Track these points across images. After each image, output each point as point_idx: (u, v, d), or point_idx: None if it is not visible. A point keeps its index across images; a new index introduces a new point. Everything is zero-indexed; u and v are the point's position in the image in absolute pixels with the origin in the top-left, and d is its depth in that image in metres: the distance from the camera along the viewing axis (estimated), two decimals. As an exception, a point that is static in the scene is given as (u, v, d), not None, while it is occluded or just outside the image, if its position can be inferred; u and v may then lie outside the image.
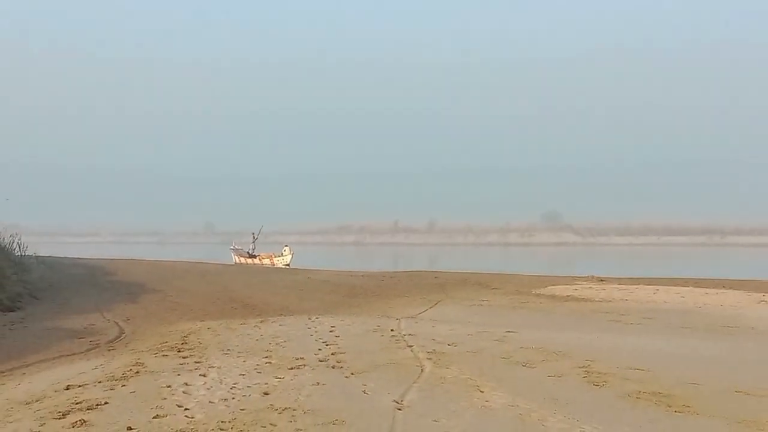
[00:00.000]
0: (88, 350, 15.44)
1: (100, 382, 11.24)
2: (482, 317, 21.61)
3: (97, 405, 9.65)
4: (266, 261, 68.30)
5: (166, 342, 15.73)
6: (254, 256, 71.00)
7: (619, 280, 41.79)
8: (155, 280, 32.00)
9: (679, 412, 9.96)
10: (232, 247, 76.32)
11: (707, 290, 33.86)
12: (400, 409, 9.62)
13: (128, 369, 12.33)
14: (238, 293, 27.39)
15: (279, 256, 68.24)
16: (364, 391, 10.69)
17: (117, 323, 19.32)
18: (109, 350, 15.31)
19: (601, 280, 44.11)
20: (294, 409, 9.46)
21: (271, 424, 8.74)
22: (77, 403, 9.85)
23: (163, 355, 13.88)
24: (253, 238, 75.02)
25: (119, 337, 17.16)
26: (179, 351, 14.40)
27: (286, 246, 70.33)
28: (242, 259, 70.86)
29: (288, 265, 65.24)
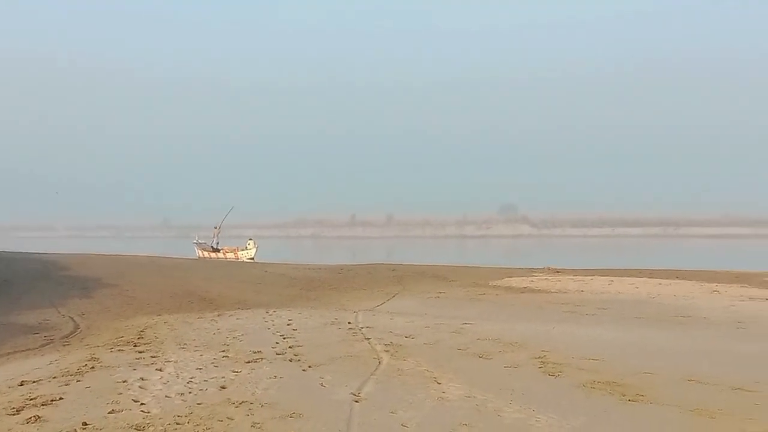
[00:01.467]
0: (43, 346, 15.31)
1: (54, 377, 11.16)
2: (439, 309, 21.67)
3: (52, 401, 9.58)
4: (230, 255, 67.33)
5: (122, 337, 15.64)
6: (218, 250, 69.87)
7: (575, 272, 42.08)
8: (111, 275, 31.74)
9: (633, 401, 10.06)
10: (195, 241, 74.61)
11: (661, 281, 34.17)
12: (357, 402, 9.63)
13: (83, 364, 12.25)
14: (195, 287, 27.27)
15: (243, 250, 67.38)
16: (322, 384, 10.70)
17: (72, 318, 19.19)
18: (63, 345, 15.20)
19: (557, 272, 44.38)
20: (251, 403, 9.45)
21: (228, 418, 8.73)
22: (31, 399, 9.76)
23: (119, 350, 13.80)
24: (216, 231, 73.36)
25: (74, 332, 17.04)
26: (135, 346, 14.33)
27: (251, 239, 69.48)
28: (206, 254, 69.61)
29: (252, 258, 64.50)
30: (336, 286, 29.35)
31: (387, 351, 13.61)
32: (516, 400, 9.89)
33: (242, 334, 15.59)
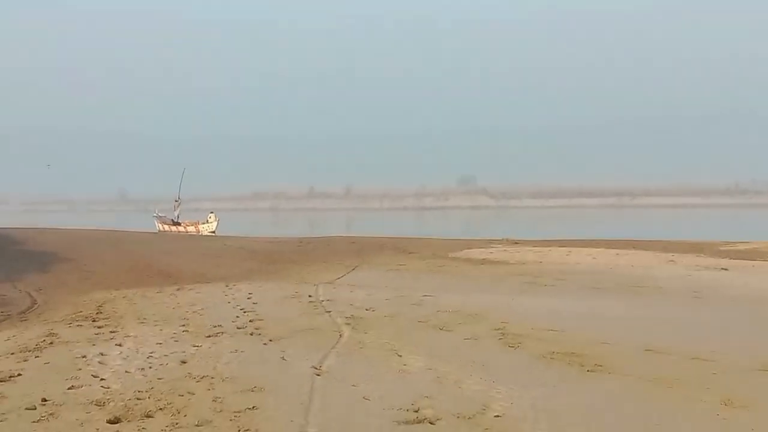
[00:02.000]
0: (0, 321, 15.17)
1: (12, 353, 11.06)
2: (399, 282, 21.73)
3: (10, 377, 9.49)
4: (191, 228, 66.20)
5: (81, 312, 15.52)
6: (178, 224, 68.55)
7: (533, 243, 42.35)
8: (68, 249, 31.49)
9: (592, 371, 10.14)
10: (155, 215, 72.68)
11: (618, 251, 34.46)
12: (318, 375, 9.64)
13: (41, 340, 12.14)
14: (153, 261, 27.17)
15: (204, 223, 66.18)
16: (283, 358, 10.69)
17: (29, 293, 19.04)
18: (21, 321, 15.07)
19: (515, 243, 44.60)
20: (212, 378, 9.43)
21: (189, 392, 8.69)
22: (-11, 376, 9.68)
23: (78, 326, 13.71)
24: (176, 204, 71.71)
25: (31, 307, 16.91)
26: (94, 321, 14.24)
27: (212, 213, 68.61)
28: (166, 227, 68.09)
29: (213, 232, 63.45)
30: (295, 259, 29.34)
31: (348, 324, 13.62)
32: (476, 371, 9.94)
33: (202, 308, 15.54)
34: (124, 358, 10.61)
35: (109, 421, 7.56)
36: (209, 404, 8.22)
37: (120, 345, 11.61)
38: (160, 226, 68.31)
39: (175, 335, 12.46)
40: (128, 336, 12.40)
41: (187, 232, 64.62)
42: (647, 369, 10.35)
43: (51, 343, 11.91)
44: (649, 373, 10.08)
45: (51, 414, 7.84)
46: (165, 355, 10.82)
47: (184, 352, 11.07)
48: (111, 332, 12.87)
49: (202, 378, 9.40)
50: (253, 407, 8.08)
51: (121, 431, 7.32)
